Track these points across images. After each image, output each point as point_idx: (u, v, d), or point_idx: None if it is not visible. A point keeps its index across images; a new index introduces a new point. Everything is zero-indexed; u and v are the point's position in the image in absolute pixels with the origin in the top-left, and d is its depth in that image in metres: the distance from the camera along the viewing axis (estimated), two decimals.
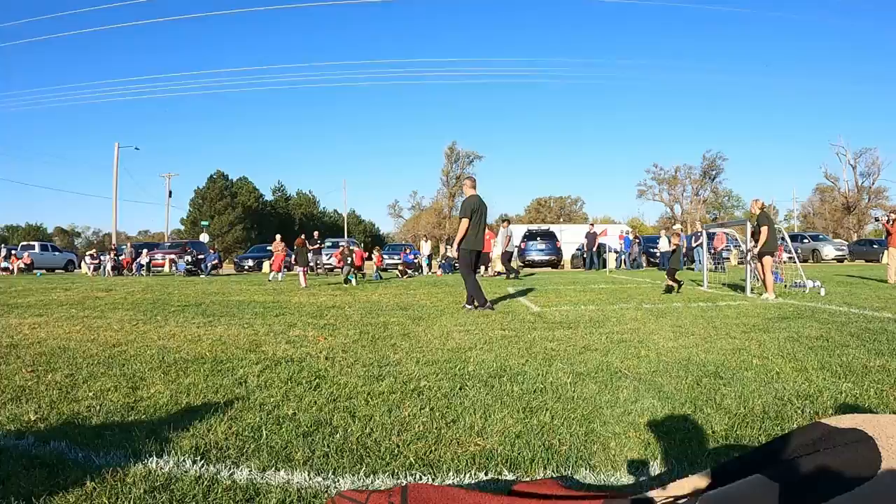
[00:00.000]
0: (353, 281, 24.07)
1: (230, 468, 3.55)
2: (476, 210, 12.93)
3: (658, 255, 36.42)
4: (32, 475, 3.44)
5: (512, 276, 26.37)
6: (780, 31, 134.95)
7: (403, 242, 66.81)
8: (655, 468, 3.52)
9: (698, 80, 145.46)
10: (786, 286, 16.13)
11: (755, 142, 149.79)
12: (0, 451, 3.85)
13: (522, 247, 43.33)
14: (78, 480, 3.34)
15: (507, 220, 29.21)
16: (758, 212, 15.45)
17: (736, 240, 31.51)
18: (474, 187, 13.40)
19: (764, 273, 14.76)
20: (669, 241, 27.39)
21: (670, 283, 16.61)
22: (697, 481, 2.66)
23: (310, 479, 3.40)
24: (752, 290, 15.52)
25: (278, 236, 33.73)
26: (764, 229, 14.87)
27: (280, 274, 29.15)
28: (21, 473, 3.46)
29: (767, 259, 14.66)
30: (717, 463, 3.18)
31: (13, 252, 50.34)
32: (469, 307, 12.35)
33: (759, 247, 14.89)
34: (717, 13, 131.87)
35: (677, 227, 44.20)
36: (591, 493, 2.99)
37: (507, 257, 28.08)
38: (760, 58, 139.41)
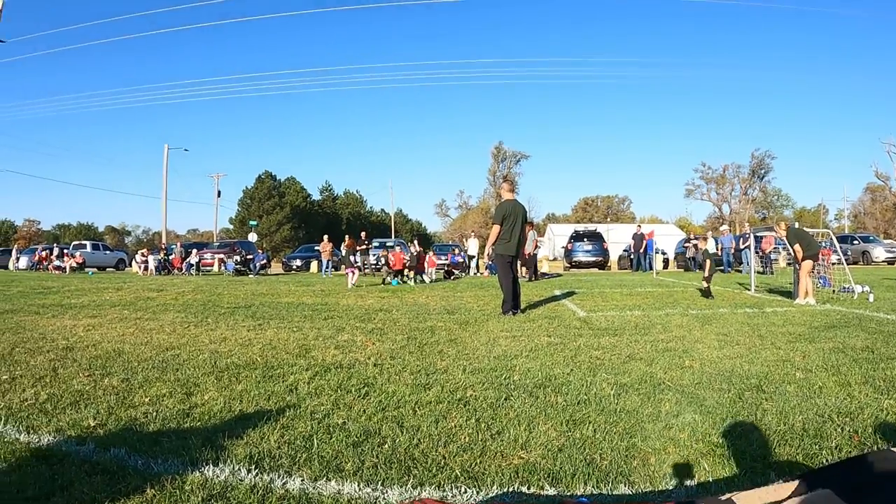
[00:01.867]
0: (411, 282, 24.35)
1: (283, 477, 3.67)
2: (508, 216, 12.90)
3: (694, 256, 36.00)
4: (94, 481, 3.57)
5: (533, 279, 26.47)
6: (831, 27, 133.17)
7: (450, 243, 66.62)
8: (693, 486, 3.58)
9: (746, 76, 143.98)
10: (833, 291, 15.91)
11: (804, 139, 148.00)
12: (62, 457, 4.01)
13: (569, 247, 43.16)
14: (138, 487, 3.48)
15: (530, 222, 28.91)
16: (783, 233, 15.61)
17: (784, 242, 31.27)
18: (512, 191, 13.55)
19: (801, 277, 14.63)
20: (717, 243, 27.28)
21: (706, 286, 16.48)
22: (769, 494, 2.68)
23: (359, 489, 3.51)
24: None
25: (326, 237, 33.96)
26: (797, 247, 14.94)
27: (328, 272, 29.31)
28: (83, 479, 3.60)
29: (807, 263, 14.53)
30: (789, 476, 3.21)
31: (65, 251, 50.98)
32: (509, 314, 12.28)
33: (800, 262, 14.79)
34: (765, 9, 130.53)
35: (724, 227, 43.65)
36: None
37: (532, 261, 27.73)
38: (809, 54, 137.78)
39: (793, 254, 15.34)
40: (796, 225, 16.39)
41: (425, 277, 25.60)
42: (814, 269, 14.94)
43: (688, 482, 3.61)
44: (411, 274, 25.24)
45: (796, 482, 2.65)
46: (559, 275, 33.30)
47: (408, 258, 25.47)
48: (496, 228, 12.90)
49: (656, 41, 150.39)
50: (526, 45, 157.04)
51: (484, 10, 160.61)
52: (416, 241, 30.93)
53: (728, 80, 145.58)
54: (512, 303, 12.49)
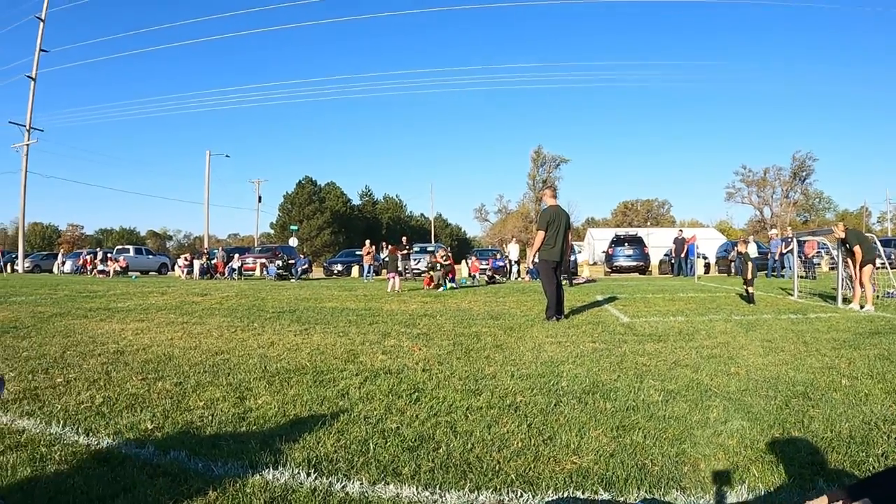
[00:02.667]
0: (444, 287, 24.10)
1: (342, 481, 3.74)
2: (552, 221, 12.87)
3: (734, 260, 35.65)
4: (157, 484, 3.67)
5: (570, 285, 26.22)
6: (870, 25, 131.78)
7: (491, 247, 66.52)
8: (743, 492, 3.61)
9: (787, 78, 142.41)
10: (878, 296, 15.75)
11: (846, 141, 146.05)
12: (123, 459, 4.11)
13: (610, 252, 43.01)
14: (201, 490, 3.57)
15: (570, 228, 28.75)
16: (843, 235, 15.07)
17: (827, 246, 30.90)
18: (554, 196, 13.46)
19: (864, 283, 14.41)
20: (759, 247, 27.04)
21: (746, 290, 16.39)
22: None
23: (418, 493, 3.57)
24: (844, 300, 15.29)
25: (367, 241, 34.09)
26: (857, 248, 14.48)
27: (370, 277, 29.35)
28: (146, 482, 3.69)
29: (868, 268, 14.32)
30: (836, 485, 3.21)
31: (109, 255, 51.50)
32: (553, 319, 12.33)
33: (858, 263, 14.50)
34: (805, 9, 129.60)
35: (773, 231, 43.24)
36: None
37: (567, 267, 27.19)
38: (848, 53, 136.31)
39: (849, 257, 15.01)
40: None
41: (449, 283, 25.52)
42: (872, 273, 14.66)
43: (738, 489, 3.64)
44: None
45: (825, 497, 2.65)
46: (593, 280, 33.04)
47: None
48: (541, 234, 12.87)
49: (696, 45, 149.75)
50: (565, 50, 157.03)
51: (524, 16, 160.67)
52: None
53: (768, 82, 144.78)
54: (556, 308, 12.46)
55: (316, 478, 3.77)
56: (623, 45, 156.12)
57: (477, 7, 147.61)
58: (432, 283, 24.99)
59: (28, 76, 59.57)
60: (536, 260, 13.21)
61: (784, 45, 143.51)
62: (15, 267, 57.59)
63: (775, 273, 32.36)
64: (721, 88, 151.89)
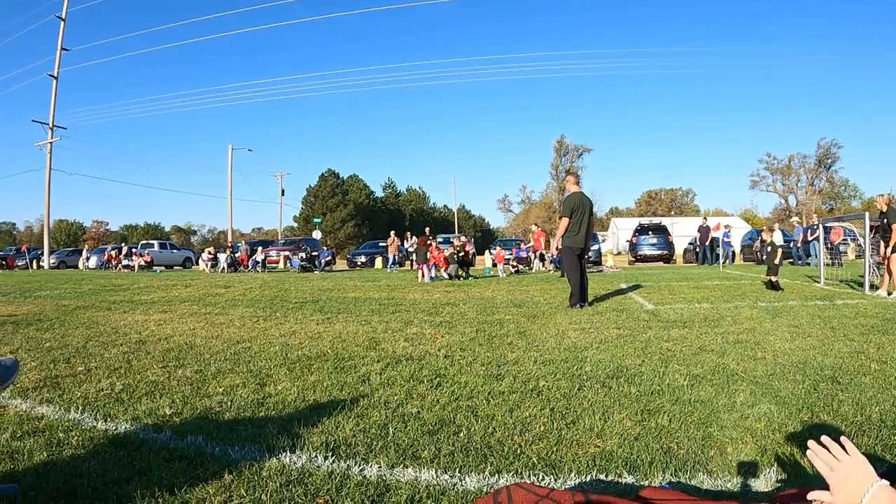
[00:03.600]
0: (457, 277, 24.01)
1: (360, 464, 3.70)
2: (577, 208, 12.78)
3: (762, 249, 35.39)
4: (173, 467, 3.64)
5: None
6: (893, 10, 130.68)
7: (514, 238, 66.45)
8: (772, 475, 3.53)
9: (811, 63, 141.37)
10: None
11: (872, 128, 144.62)
12: (140, 444, 4.09)
13: (634, 241, 42.98)
14: (216, 473, 3.54)
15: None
16: (885, 208, 14.60)
17: (854, 233, 30.60)
18: (577, 183, 13.34)
19: (892, 270, 14.16)
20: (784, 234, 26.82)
21: (770, 279, 16.26)
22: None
23: (437, 476, 3.52)
24: (871, 286, 15.12)
25: (392, 233, 34.13)
26: (895, 227, 14.16)
27: (394, 268, 29.27)
28: (162, 466, 3.67)
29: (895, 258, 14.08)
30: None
31: (134, 250, 51.92)
32: (577, 306, 12.24)
33: (891, 245, 14.19)
34: None
35: (794, 219, 43.03)
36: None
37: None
38: (875, 40, 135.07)
39: (883, 236, 14.65)
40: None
41: (444, 273, 25.20)
42: None
43: (766, 472, 3.56)
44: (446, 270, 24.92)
45: None
46: (617, 269, 32.91)
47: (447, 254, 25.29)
48: (565, 221, 12.77)
49: (718, 31, 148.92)
50: (587, 39, 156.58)
51: (546, 5, 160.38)
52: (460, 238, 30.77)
53: (792, 69, 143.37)
54: (579, 296, 12.40)
55: (333, 461, 3.73)
56: (646, 32, 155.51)
57: None
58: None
59: (50, 75, 60.02)
60: (560, 247, 13.03)
61: (807, 30, 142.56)
62: (41, 263, 58.13)
63: (800, 261, 32.18)
64: (745, 75, 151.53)
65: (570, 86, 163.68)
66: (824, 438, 1.87)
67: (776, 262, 16.40)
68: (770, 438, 4.08)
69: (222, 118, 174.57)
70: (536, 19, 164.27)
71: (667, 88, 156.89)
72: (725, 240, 34.13)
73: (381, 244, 44.62)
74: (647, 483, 3.40)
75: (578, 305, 12.17)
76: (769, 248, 17.07)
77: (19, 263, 57.73)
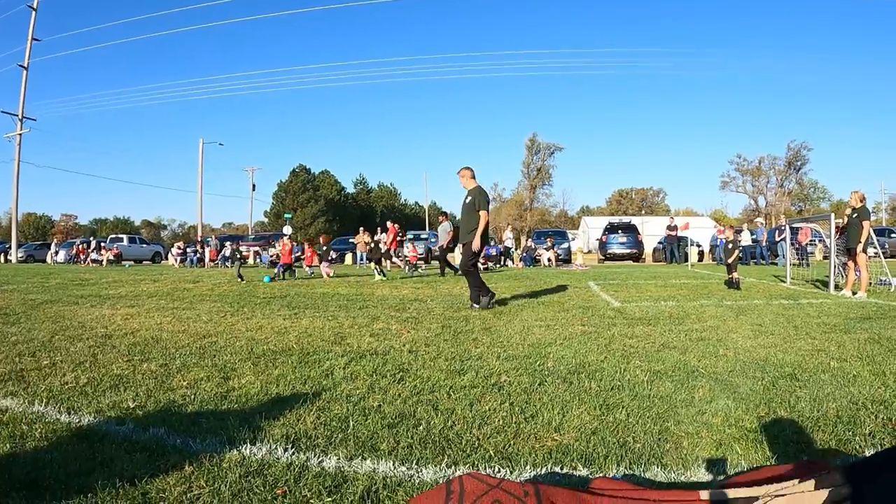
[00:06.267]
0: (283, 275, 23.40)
1: (319, 456, 3.75)
2: (488, 201, 12.44)
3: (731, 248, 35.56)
4: (134, 459, 3.68)
5: (449, 273, 24.90)
6: (866, 15, 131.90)
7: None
8: (726, 468, 3.59)
9: (781, 67, 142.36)
10: (870, 284, 15.73)
11: (841, 131, 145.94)
12: (103, 436, 4.12)
13: (604, 240, 43.14)
14: (177, 464, 3.57)
15: (444, 213, 27.92)
16: (859, 205, 14.68)
17: (821, 234, 30.91)
18: (475, 177, 12.66)
19: (861, 270, 14.29)
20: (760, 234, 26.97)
21: (730, 277, 16.43)
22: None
23: (394, 468, 3.57)
24: (836, 286, 15.29)
25: (361, 228, 34.05)
26: (866, 223, 14.21)
27: (363, 264, 29.04)
28: (124, 457, 3.71)
29: (863, 255, 14.20)
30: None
31: (102, 244, 51.62)
32: (477, 305, 11.84)
33: (861, 243, 14.29)
34: None
35: (759, 220, 43.43)
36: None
37: (444, 254, 26.38)
38: (845, 43, 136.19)
39: (850, 233, 14.79)
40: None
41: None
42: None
43: (719, 466, 3.63)
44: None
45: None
46: (583, 266, 33.04)
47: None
48: (485, 215, 12.02)
49: (690, 32, 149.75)
50: (559, 38, 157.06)
51: (518, 3, 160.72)
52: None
53: (763, 71, 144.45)
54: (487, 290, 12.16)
55: (293, 453, 3.78)
56: (618, 32, 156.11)
57: None
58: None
59: (20, 65, 59.51)
60: (478, 246, 12.03)
61: (778, 33, 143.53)
62: (8, 257, 57.70)
63: (764, 261, 32.47)
64: (716, 76, 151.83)
65: (541, 84, 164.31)
66: None
67: (731, 260, 16.64)
68: (726, 433, 4.15)
69: (194, 112, 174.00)
70: (509, 17, 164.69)
71: (639, 88, 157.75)
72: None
73: (351, 240, 44.56)
74: (601, 475, 3.46)
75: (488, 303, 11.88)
76: (729, 247, 17.26)
77: None
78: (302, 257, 26.16)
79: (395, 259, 29.34)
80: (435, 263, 32.92)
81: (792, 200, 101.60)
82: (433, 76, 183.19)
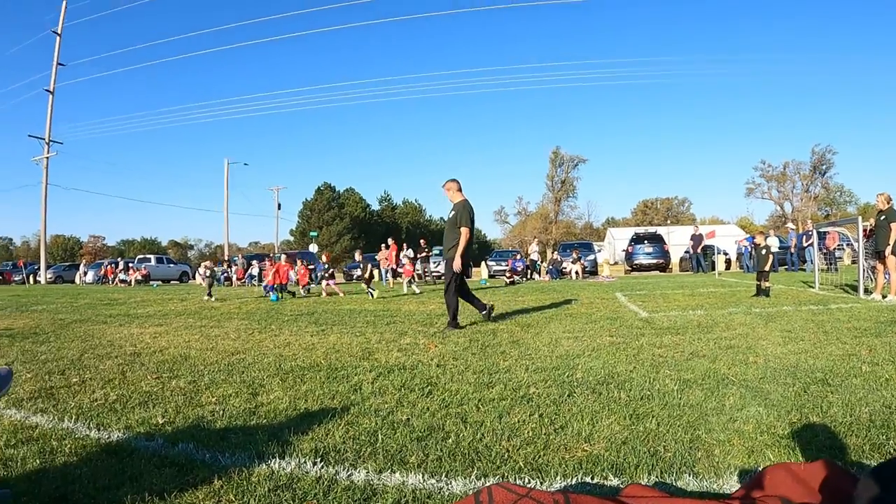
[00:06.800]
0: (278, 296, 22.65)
1: (348, 470, 3.73)
2: (473, 218, 11.62)
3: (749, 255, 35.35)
4: (163, 473, 3.70)
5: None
6: (890, 15, 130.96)
7: (511, 249, 66.56)
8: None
9: (804, 70, 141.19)
10: None
11: (866, 133, 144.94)
12: (132, 452, 4.14)
13: (630, 250, 43.01)
14: (206, 479, 3.58)
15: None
16: (885, 206, 14.48)
17: (849, 238, 30.65)
18: (461, 190, 12.06)
19: (891, 272, 14.13)
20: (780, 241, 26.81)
21: (759, 284, 16.24)
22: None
23: (424, 481, 3.55)
24: (865, 290, 15.15)
25: (383, 245, 33.98)
26: (894, 225, 13.95)
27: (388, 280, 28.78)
28: (153, 472, 3.72)
29: (892, 258, 14.04)
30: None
31: (130, 265, 52.09)
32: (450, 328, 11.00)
33: (890, 245, 14.11)
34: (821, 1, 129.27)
35: (790, 225, 43.22)
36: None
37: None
38: (867, 44, 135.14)
39: (879, 233, 14.60)
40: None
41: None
42: None
43: (752, 474, 3.59)
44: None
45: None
46: (610, 278, 32.91)
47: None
48: (466, 231, 11.30)
49: (710, 39, 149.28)
50: (581, 49, 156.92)
51: (540, 16, 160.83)
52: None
53: (785, 75, 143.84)
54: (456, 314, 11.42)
55: (322, 467, 3.77)
56: (638, 41, 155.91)
57: (491, 8, 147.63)
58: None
59: (46, 90, 60.17)
60: (458, 264, 11.36)
61: (799, 37, 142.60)
62: (37, 278, 58.20)
63: (794, 267, 32.27)
64: (737, 82, 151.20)
65: (564, 96, 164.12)
66: None
67: (767, 267, 16.41)
68: (758, 440, 4.10)
69: (218, 132, 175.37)
70: (530, 30, 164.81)
71: (661, 97, 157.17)
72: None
73: (377, 257, 44.64)
74: (632, 483, 3.43)
75: (457, 325, 11.16)
76: (762, 252, 17.01)
77: (16, 278, 57.98)
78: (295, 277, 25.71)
79: (398, 272, 29.23)
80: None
81: (818, 205, 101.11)
82: (455, 91, 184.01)
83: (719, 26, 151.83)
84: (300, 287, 26.03)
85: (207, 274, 25.11)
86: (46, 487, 3.50)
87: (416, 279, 28.57)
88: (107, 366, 7.68)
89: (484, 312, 11.62)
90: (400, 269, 28.49)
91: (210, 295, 22.84)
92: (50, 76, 60.52)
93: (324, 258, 27.38)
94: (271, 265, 24.44)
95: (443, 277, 11.75)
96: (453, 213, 11.59)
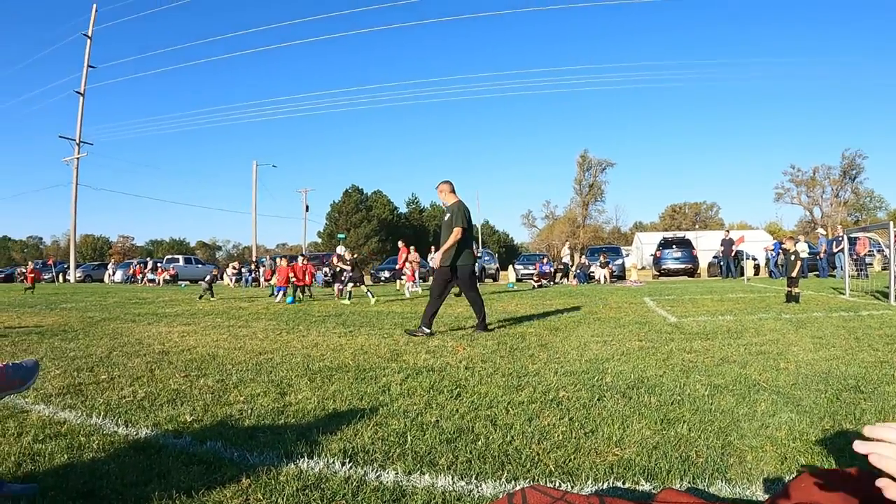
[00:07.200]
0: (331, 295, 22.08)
1: (377, 471, 3.72)
2: (470, 220, 11.29)
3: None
4: (191, 471, 3.70)
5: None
6: None
7: (538, 252, 66.43)
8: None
9: (835, 74, 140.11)
10: None
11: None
12: (160, 449, 4.15)
13: (658, 255, 42.80)
14: (234, 477, 3.58)
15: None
16: None
17: (879, 244, 30.38)
18: (455, 191, 11.56)
19: None
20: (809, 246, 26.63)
21: (790, 290, 16.10)
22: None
23: (453, 483, 3.53)
24: None
25: (400, 243, 33.80)
26: None
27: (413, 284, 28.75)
28: (181, 469, 3.73)
29: None
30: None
31: (159, 265, 52.52)
32: (420, 332, 10.64)
33: None
34: (849, 3, 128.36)
35: (819, 230, 42.90)
36: None
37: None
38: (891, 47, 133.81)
39: None
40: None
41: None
42: None
43: (786, 479, 3.54)
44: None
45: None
46: (638, 283, 32.78)
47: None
48: (458, 231, 10.94)
49: (742, 44, 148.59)
50: (610, 53, 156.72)
51: (568, 19, 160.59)
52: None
53: (816, 79, 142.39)
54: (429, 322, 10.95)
55: (351, 467, 3.76)
56: (667, 45, 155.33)
57: (520, 11, 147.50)
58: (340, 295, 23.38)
59: (77, 92, 60.76)
60: (440, 264, 11.10)
61: (829, 40, 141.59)
62: (67, 277, 58.67)
63: (823, 274, 32.03)
64: (767, 87, 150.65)
65: (592, 100, 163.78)
66: (868, 428, 1.70)
67: (795, 273, 16.27)
68: (791, 446, 4.05)
69: (247, 134, 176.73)
70: (558, 34, 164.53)
71: (689, 101, 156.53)
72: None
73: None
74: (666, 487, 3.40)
75: (428, 332, 10.71)
76: (792, 258, 16.85)
77: (46, 277, 58.43)
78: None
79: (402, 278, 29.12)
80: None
81: (848, 210, 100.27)
82: (484, 94, 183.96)
83: (749, 30, 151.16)
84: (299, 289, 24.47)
85: (207, 279, 25.09)
86: (74, 482, 3.52)
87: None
88: (135, 363, 7.74)
89: (428, 332, 10.72)
90: (404, 273, 28.23)
91: (206, 294, 23.44)
92: (80, 78, 61.16)
93: (334, 259, 26.81)
94: (286, 264, 23.55)
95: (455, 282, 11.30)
96: (448, 214, 11.34)
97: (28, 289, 31.18)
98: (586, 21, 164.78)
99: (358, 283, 22.66)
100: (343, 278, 23.67)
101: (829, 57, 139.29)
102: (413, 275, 27.16)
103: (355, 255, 23.00)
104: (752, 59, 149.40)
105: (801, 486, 2.42)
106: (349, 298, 21.44)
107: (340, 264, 23.43)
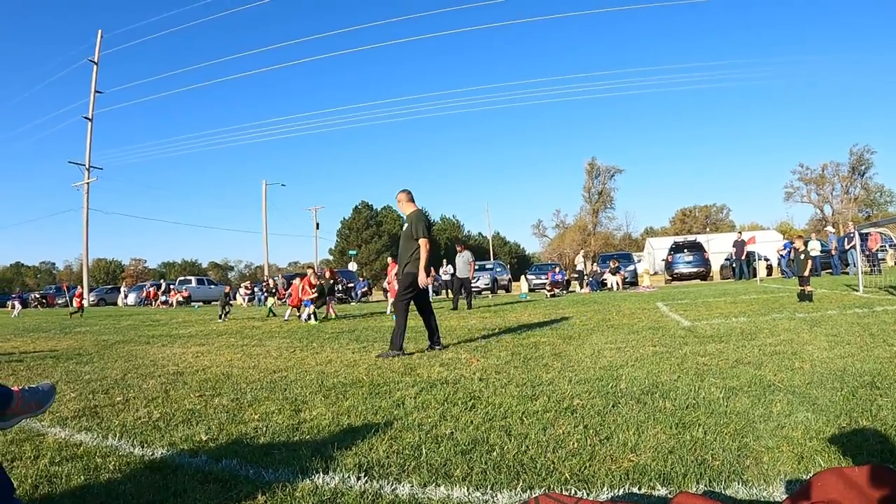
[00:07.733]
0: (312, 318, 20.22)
1: (392, 484, 3.72)
2: (429, 225, 10.97)
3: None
4: (207, 489, 3.72)
5: (462, 306, 24.10)
6: None
7: (550, 262, 66.42)
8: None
9: (836, 69, 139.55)
10: None
11: None
12: (176, 468, 4.17)
13: (669, 260, 42.76)
14: (250, 494, 3.59)
15: (462, 242, 27.10)
16: None
17: (891, 238, 30.26)
18: (413, 200, 11.19)
19: None
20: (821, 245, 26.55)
21: (803, 289, 16.06)
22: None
23: (469, 494, 3.53)
24: None
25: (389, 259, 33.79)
26: None
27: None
28: (197, 487, 3.75)
29: None
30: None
31: (172, 286, 52.75)
32: (392, 353, 10.01)
33: None
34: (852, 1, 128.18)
35: (829, 228, 42.80)
36: None
37: (460, 286, 25.65)
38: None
39: None
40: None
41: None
42: None
43: (804, 480, 3.53)
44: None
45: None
46: (651, 288, 32.73)
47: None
48: (425, 242, 10.54)
49: (743, 45, 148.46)
50: (614, 59, 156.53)
51: (573, 28, 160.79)
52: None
53: (820, 76, 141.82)
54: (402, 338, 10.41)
55: (366, 481, 3.77)
56: (671, 49, 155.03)
57: (523, 22, 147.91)
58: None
59: (85, 117, 61.12)
60: (424, 281, 10.50)
61: (830, 36, 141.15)
62: (82, 301, 58.86)
63: (835, 271, 31.95)
64: (771, 86, 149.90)
65: (598, 107, 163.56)
66: None
67: (806, 272, 16.23)
68: (807, 446, 4.04)
69: (255, 154, 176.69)
70: (563, 43, 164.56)
71: (695, 104, 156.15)
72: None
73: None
74: (682, 491, 3.39)
75: (400, 353, 10.12)
76: (801, 257, 16.81)
77: (59, 301, 58.67)
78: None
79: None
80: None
81: (859, 206, 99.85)
82: (491, 105, 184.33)
83: (750, 30, 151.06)
84: (288, 308, 23.46)
85: (222, 300, 25.02)
86: (91, 503, 3.55)
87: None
88: (150, 385, 7.78)
89: (398, 353, 10.06)
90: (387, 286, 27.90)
91: (225, 313, 23.28)
92: (88, 103, 61.47)
93: (327, 274, 26.12)
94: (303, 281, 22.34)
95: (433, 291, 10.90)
96: (407, 224, 10.90)
97: (74, 312, 31.00)
98: (592, 29, 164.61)
99: (319, 307, 21.57)
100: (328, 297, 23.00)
101: (831, 54, 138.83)
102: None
103: (321, 282, 22.23)
104: (754, 59, 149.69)
105: (819, 485, 2.42)
106: (316, 319, 20.30)
107: (321, 282, 22.70)
